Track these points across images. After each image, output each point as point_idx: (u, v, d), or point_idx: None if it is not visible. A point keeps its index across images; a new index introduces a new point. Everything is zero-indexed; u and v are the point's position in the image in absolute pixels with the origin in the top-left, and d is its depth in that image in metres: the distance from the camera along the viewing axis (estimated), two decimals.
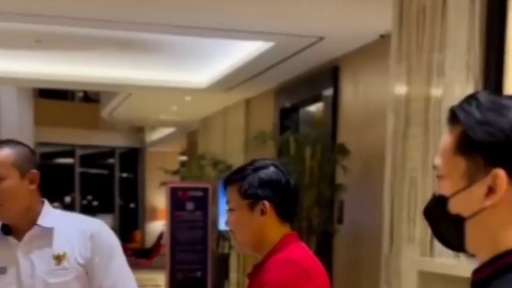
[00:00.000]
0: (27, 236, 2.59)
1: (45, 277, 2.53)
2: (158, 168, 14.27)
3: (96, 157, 22.46)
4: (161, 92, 12.36)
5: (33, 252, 2.56)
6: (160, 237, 18.13)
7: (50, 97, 20.11)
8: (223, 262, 10.92)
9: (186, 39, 9.16)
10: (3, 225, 2.65)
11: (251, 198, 2.33)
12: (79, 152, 21.57)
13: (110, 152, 22.00)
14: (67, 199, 21.60)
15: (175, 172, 13.48)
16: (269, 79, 10.25)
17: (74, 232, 2.60)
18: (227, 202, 2.40)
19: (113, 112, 15.37)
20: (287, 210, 2.38)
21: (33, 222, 2.61)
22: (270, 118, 10.81)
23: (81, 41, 9.67)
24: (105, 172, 22.26)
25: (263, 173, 2.35)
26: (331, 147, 8.50)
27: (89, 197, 22.01)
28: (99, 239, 2.61)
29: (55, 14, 7.73)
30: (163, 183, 10.76)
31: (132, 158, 21.84)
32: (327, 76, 8.96)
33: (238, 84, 10.80)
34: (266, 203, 2.33)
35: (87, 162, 22.01)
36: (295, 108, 10.31)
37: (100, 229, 2.67)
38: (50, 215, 2.67)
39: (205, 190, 9.38)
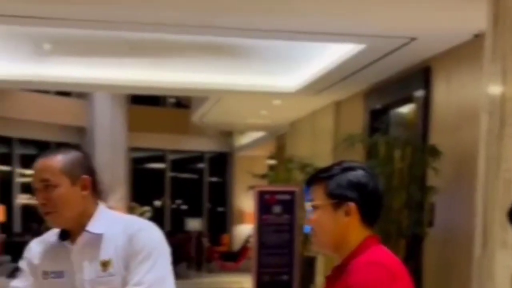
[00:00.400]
0: (79, 242, 2.61)
1: (93, 284, 2.57)
2: (246, 172, 14.36)
3: (186, 162, 22.77)
4: (250, 96, 12.45)
5: (84, 257, 2.59)
6: (247, 240, 18.24)
7: (142, 103, 20.51)
8: (309, 265, 10.89)
9: (275, 43, 9.20)
10: (61, 229, 2.69)
11: (337, 198, 2.33)
12: (170, 157, 21.92)
13: (199, 156, 22.28)
14: (157, 203, 21.95)
15: (263, 176, 13.54)
16: (359, 81, 10.20)
17: (119, 236, 2.59)
18: (310, 200, 2.40)
19: (203, 117, 15.56)
20: (371, 214, 2.37)
21: (83, 227, 2.62)
22: (359, 120, 10.75)
23: (172, 47, 9.84)
24: (194, 176, 22.55)
25: (352, 175, 2.34)
26: (422, 149, 8.40)
27: (179, 201, 22.32)
28: (137, 240, 2.57)
29: (147, 21, 7.89)
30: (251, 187, 10.82)
31: (221, 163, 22.05)
32: (419, 77, 8.87)
33: (328, 87, 10.79)
34: (352, 204, 2.32)
35: (177, 166, 22.35)
36: (385, 110, 10.23)
37: (140, 230, 2.61)
38: (102, 220, 2.64)
39: (292, 194, 9.38)
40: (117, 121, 19.71)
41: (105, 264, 2.56)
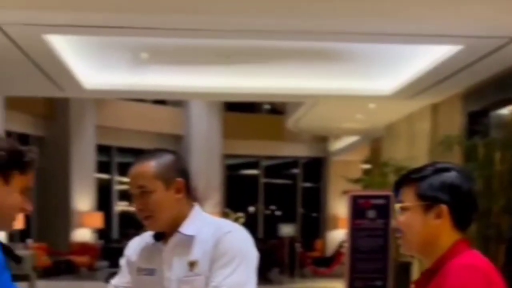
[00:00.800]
0: (171, 242, 2.67)
1: (180, 283, 2.61)
2: (341, 177, 14.30)
3: (280, 168, 22.83)
4: (345, 100, 12.41)
5: (174, 257, 2.64)
6: (340, 245, 18.16)
7: (237, 110, 20.70)
8: (404, 271, 10.72)
9: (370, 47, 9.15)
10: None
11: (429, 200, 2.24)
12: (263, 163, 22.04)
13: (293, 162, 22.31)
14: (251, 209, 22.08)
15: (357, 181, 13.46)
16: (457, 83, 10.03)
17: (208, 238, 2.61)
18: (400, 201, 2.30)
19: (298, 122, 15.59)
20: (463, 217, 2.28)
21: (178, 228, 2.66)
22: (457, 123, 10.56)
23: (266, 54, 9.91)
24: (288, 182, 22.59)
25: (445, 176, 2.25)
26: None
27: (272, 207, 22.40)
28: (223, 243, 2.59)
29: (242, 29, 7.97)
30: (345, 192, 10.76)
31: (315, 168, 22.02)
32: None
33: (424, 90, 10.65)
34: (444, 207, 2.23)
35: (271, 172, 22.44)
36: (484, 112, 10.01)
37: (227, 233, 2.62)
38: (195, 222, 2.67)
39: (387, 198, 9.23)
40: (213, 128, 19.99)
41: (192, 264, 2.60)
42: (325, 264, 17.59)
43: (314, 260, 18.15)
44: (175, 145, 19.64)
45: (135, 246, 2.83)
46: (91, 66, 10.86)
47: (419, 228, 2.25)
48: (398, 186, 2.34)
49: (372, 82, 11.06)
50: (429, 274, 2.24)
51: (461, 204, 2.25)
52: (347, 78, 10.90)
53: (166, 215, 2.63)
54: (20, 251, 12.82)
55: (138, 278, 2.74)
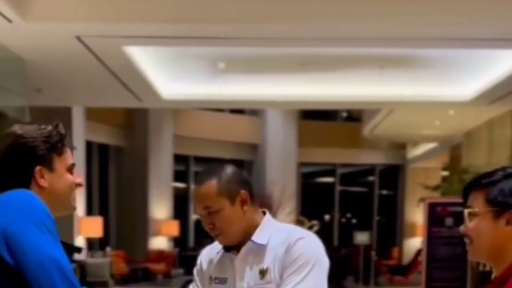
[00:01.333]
0: (243, 251, 2.66)
1: None
2: (418, 184, 14.13)
3: (356, 175, 22.70)
4: (423, 107, 12.28)
5: (246, 266, 2.63)
6: (417, 253, 17.91)
7: (313, 118, 20.67)
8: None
9: (448, 52, 9.04)
10: None
11: (499, 206, 2.14)
12: (339, 170, 21.94)
13: (370, 169, 22.14)
14: (327, 217, 22.00)
15: (435, 188, 13.28)
16: None
17: (280, 245, 2.60)
18: (468, 207, 2.21)
19: (374, 129, 15.48)
20: None
21: (250, 237, 2.65)
22: None
23: (342, 61, 9.88)
24: (364, 190, 22.43)
25: None
26: None
27: (348, 215, 22.26)
28: (295, 249, 2.57)
29: (317, 36, 7.96)
30: (422, 199, 10.61)
31: (393, 175, 21.80)
32: None
33: (504, 96, 10.45)
34: None
35: (347, 180, 22.32)
36: None
37: (299, 239, 2.61)
38: (266, 230, 2.66)
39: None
40: (289, 137, 20.00)
41: (263, 272, 2.60)
42: (401, 273, 17.36)
43: (390, 269, 17.94)
44: (252, 154, 19.75)
45: (206, 255, 2.84)
46: (169, 77, 11.02)
47: (488, 234, 2.17)
48: (467, 191, 2.25)
49: (450, 88, 10.91)
50: (499, 282, 2.17)
51: None
52: (425, 84, 10.78)
53: (236, 229, 2.63)
54: (98, 258, 13.08)
55: (210, 287, 2.75)
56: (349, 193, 22.31)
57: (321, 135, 20.26)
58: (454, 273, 9.13)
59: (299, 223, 19.74)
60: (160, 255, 16.39)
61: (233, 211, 2.62)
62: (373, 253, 16.71)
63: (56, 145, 2.28)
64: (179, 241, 17.68)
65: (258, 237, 2.64)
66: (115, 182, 16.35)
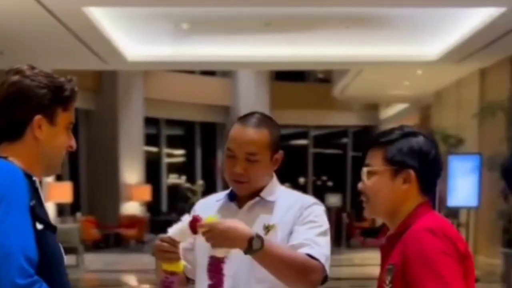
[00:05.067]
0: (247, 205, 2.58)
1: None
2: None
3: (329, 137, 22.68)
4: (391, 66, 12.24)
5: (250, 220, 2.53)
6: None
7: (286, 79, 20.54)
8: None
9: (414, 11, 8.96)
10: (231, 191, 2.66)
11: (397, 165, 2.19)
12: (313, 133, 21.91)
13: (343, 131, 22.14)
14: (301, 180, 21.99)
15: None
16: (504, 47, 9.78)
17: (290, 205, 2.56)
18: (367, 165, 2.25)
19: (344, 90, 15.44)
20: (429, 183, 2.24)
21: (256, 194, 2.58)
22: (506, 88, 10.31)
23: (308, 21, 9.78)
24: (338, 152, 22.43)
25: (414, 141, 2.20)
26: None
27: (323, 178, 22.28)
28: (310, 211, 2.54)
29: None
30: None
31: (366, 137, 21.78)
32: None
33: (471, 54, 10.42)
34: (412, 172, 2.18)
35: (320, 142, 22.30)
36: None
37: (312, 204, 2.58)
38: (275, 189, 2.62)
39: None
40: (261, 98, 19.89)
41: (268, 228, 2.52)
42: (374, 235, 17.40)
43: (362, 231, 17.97)
44: (224, 116, 19.65)
45: (203, 204, 2.73)
46: (134, 39, 10.88)
47: (386, 193, 2.22)
48: (366, 149, 2.29)
49: (418, 48, 10.86)
50: (394, 238, 2.22)
51: (428, 170, 2.23)
52: (392, 44, 10.73)
53: (260, 183, 2.58)
54: (68, 224, 12.99)
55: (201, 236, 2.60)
56: (323, 156, 22.30)
57: (293, 97, 20.15)
58: None
59: None
60: (132, 220, 16.30)
61: (268, 166, 2.57)
62: (344, 215, 16.72)
63: (65, 99, 2.11)
64: (151, 206, 17.59)
65: (266, 194, 2.59)
66: (85, 146, 16.18)
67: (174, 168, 19.92)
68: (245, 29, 10.21)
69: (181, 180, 19.62)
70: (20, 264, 1.87)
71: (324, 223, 2.55)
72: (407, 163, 2.20)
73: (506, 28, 8.73)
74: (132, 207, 16.71)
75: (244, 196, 2.60)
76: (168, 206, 18.78)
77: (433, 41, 10.42)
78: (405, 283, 2.09)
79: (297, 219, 2.53)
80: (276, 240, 2.48)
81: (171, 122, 18.97)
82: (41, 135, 2.08)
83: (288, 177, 20.95)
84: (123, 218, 16.33)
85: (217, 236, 2.33)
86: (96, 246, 15.03)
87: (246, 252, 2.34)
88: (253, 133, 2.54)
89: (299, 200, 2.60)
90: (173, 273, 2.46)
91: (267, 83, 20.26)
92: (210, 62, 12.13)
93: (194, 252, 2.64)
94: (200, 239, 2.46)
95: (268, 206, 2.58)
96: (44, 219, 2.02)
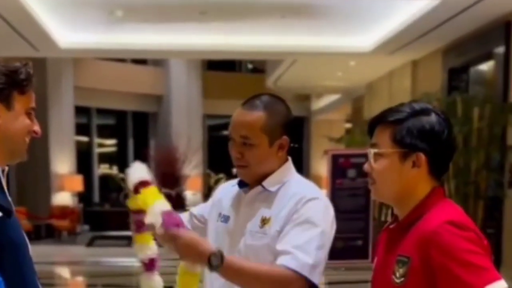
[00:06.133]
0: (250, 193, 2.49)
1: (247, 237, 2.45)
2: (323, 137, 14.20)
3: None
4: (325, 57, 12.29)
5: (251, 210, 2.46)
6: None
7: (218, 69, 20.48)
8: None
9: (348, 2, 9.02)
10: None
11: (407, 147, 2.02)
12: None
13: None
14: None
15: (338, 140, 13.37)
16: (437, 39, 9.93)
17: (289, 198, 2.42)
18: (374, 145, 2.08)
19: (277, 80, 15.47)
20: (441, 166, 2.08)
21: (260, 182, 2.47)
22: (438, 79, 10.48)
23: (243, 10, 9.75)
24: None
25: (425, 121, 2.03)
26: (502, 107, 8.12)
27: None
28: (304, 209, 2.38)
29: None
30: (326, 151, 10.67)
31: (297, 127, 21.87)
32: (499, 33, 8.56)
33: (404, 46, 10.55)
34: (422, 156, 2.01)
35: None
36: (464, 68, 9.94)
37: (312, 199, 2.41)
38: (279, 178, 2.47)
39: (367, 157, 9.17)
40: (193, 88, 19.80)
41: (264, 221, 2.43)
42: None
43: None
44: (156, 106, 19.49)
45: (225, 188, 2.65)
46: (66, 26, 10.67)
47: (394, 176, 2.06)
48: (372, 127, 2.12)
49: (351, 39, 10.94)
50: (405, 226, 2.06)
51: (440, 152, 2.06)
52: (326, 34, 10.78)
53: (263, 169, 2.46)
54: None
55: (216, 224, 2.57)
56: None
57: (226, 87, 20.11)
58: (357, 224, 9.24)
59: (206, 176, 19.74)
60: (64, 211, 16.03)
61: (268, 151, 2.44)
62: None
63: (21, 82, 2.07)
64: (83, 197, 17.35)
65: (268, 182, 2.46)
66: None
67: (105, 158, 19.66)
68: (179, 17, 10.13)
69: (113, 170, 19.39)
70: None
71: (321, 223, 2.40)
72: (418, 146, 2.03)
73: (439, 20, 8.86)
74: (63, 198, 16.45)
75: (251, 183, 2.51)
76: (100, 197, 18.54)
77: (367, 32, 10.52)
78: (428, 280, 1.95)
79: (291, 216, 2.39)
80: (270, 233, 2.39)
81: (102, 111, 18.71)
82: None
83: (221, 167, 20.94)
84: (54, 209, 16.07)
85: (179, 249, 2.28)
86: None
87: (208, 268, 2.28)
88: (246, 115, 2.44)
89: (298, 193, 2.43)
90: (139, 211, 2.39)
91: (199, 73, 20.17)
92: (143, 50, 11.99)
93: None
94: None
95: (270, 196, 2.46)
96: (2, 205, 1.97)
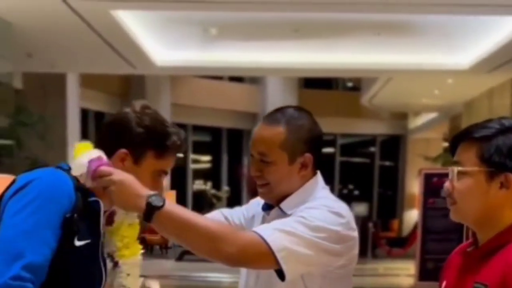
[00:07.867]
0: (270, 216, 2.27)
1: None
2: (419, 155, 13.94)
3: (357, 146, 22.51)
4: (421, 75, 12.08)
5: None
6: (416, 225, 17.71)
7: (314, 87, 20.42)
8: None
9: (446, 19, 8.83)
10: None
11: (494, 166, 1.85)
12: (340, 141, 21.76)
13: (371, 140, 21.96)
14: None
15: (435, 159, 13.10)
16: None
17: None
18: (457, 162, 1.92)
19: (373, 98, 15.30)
20: None
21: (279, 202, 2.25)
22: None
23: (337, 28, 9.68)
24: (365, 160, 22.24)
25: None
26: None
27: (350, 186, 22.09)
28: (304, 206, 2.18)
29: (312, 1, 7.77)
30: (420, 170, 10.46)
31: (394, 146, 21.60)
32: None
33: (503, 64, 10.25)
34: (511, 176, 1.84)
35: (347, 151, 22.13)
36: None
37: (317, 203, 2.19)
38: (299, 197, 2.23)
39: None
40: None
41: None
42: (400, 245, 17.20)
43: (389, 241, 17.79)
44: (251, 123, 19.55)
45: (255, 203, 2.43)
46: (162, 43, 10.84)
47: (479, 197, 1.89)
48: (455, 143, 1.95)
49: (449, 56, 10.72)
50: (488, 251, 1.90)
51: None
52: (423, 52, 10.59)
53: (283, 189, 2.24)
54: None
55: None
56: (350, 164, 22.13)
57: (321, 105, 19.95)
58: (450, 245, 8.93)
59: None
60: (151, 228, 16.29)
61: (288, 170, 2.22)
62: (370, 224, 16.57)
63: (160, 146, 2.11)
64: None
65: (287, 204, 2.24)
66: None
67: (200, 174, 19.85)
68: (273, 35, 10.13)
69: (207, 186, 19.55)
70: (18, 268, 1.80)
71: (315, 220, 2.12)
72: (507, 166, 1.86)
73: None
74: None
75: (273, 204, 2.29)
76: None
77: (465, 50, 10.28)
78: None
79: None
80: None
81: (198, 128, 18.92)
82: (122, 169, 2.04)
83: None
84: (148, 224, 16.28)
85: (113, 191, 2.01)
86: None
87: (145, 214, 2.01)
88: (265, 130, 2.23)
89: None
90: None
91: (295, 90, 20.16)
92: (238, 68, 12.08)
93: None
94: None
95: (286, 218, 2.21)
96: (85, 237, 1.97)
